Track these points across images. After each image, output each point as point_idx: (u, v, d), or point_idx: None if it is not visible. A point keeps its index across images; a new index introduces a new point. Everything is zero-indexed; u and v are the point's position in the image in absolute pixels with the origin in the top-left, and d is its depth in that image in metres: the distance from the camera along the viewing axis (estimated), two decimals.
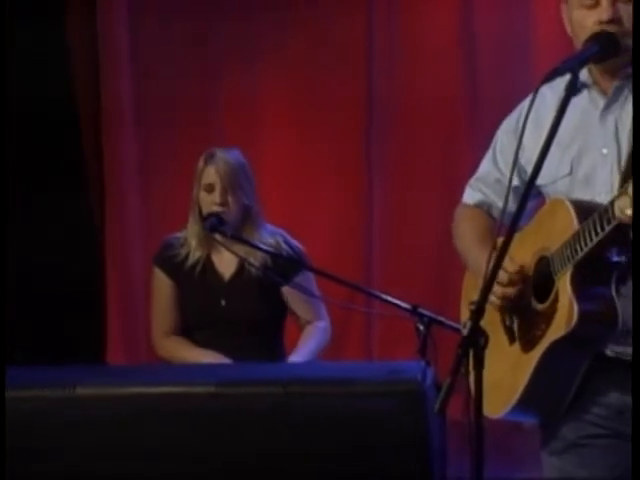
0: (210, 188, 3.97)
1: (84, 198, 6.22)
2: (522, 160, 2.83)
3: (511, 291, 2.73)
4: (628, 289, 2.64)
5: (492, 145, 2.97)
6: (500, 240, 2.75)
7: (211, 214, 3.91)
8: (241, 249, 3.96)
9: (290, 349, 4.06)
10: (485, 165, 2.99)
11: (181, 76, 6.34)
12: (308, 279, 4.04)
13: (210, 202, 3.96)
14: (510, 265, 2.69)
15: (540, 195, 2.84)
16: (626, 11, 2.62)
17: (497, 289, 2.70)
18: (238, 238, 3.93)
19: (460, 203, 3.04)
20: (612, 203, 2.50)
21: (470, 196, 3.01)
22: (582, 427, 2.78)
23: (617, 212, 2.45)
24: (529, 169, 2.72)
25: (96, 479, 2.84)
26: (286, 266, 4.00)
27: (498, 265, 2.49)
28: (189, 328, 4.06)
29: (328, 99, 6.46)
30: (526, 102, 2.79)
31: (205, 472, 2.84)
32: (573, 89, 2.55)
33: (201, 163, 4.02)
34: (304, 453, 2.84)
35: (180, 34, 6.33)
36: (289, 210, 5.78)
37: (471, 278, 2.94)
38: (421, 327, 3.53)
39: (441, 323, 3.52)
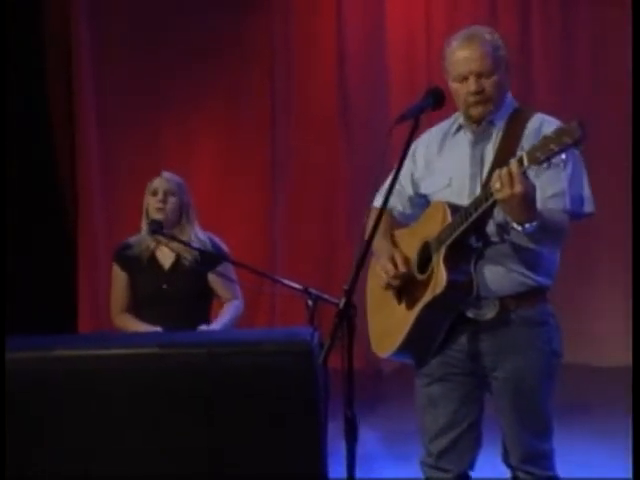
0: (155, 192, 3.96)
1: (59, 203, 6.13)
2: (416, 175, 2.95)
3: (394, 282, 2.83)
4: (481, 266, 2.73)
5: (397, 164, 3.01)
6: (397, 232, 2.97)
7: (153, 220, 3.90)
8: (177, 246, 3.96)
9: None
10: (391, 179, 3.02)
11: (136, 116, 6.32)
12: (227, 268, 4.02)
13: (155, 202, 3.94)
14: (400, 264, 2.81)
15: (429, 203, 2.92)
16: (488, 84, 2.75)
17: (385, 278, 2.83)
18: (175, 238, 3.91)
19: (371, 206, 3.02)
20: (472, 203, 2.64)
21: (378, 201, 3.01)
22: (445, 367, 2.86)
23: (491, 188, 2.54)
24: (421, 183, 2.93)
25: (67, 418, 2.81)
26: (211, 259, 3.99)
27: (365, 255, 2.55)
28: (139, 306, 4.02)
29: (243, 138, 6.48)
30: (422, 136, 2.93)
31: (148, 413, 2.83)
32: (415, 130, 2.64)
33: (149, 182, 4.02)
34: (225, 399, 2.83)
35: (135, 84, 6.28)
36: (217, 216, 5.75)
37: (376, 262, 2.96)
38: (310, 303, 3.56)
39: (324, 299, 3.54)
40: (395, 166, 2.66)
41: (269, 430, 2.86)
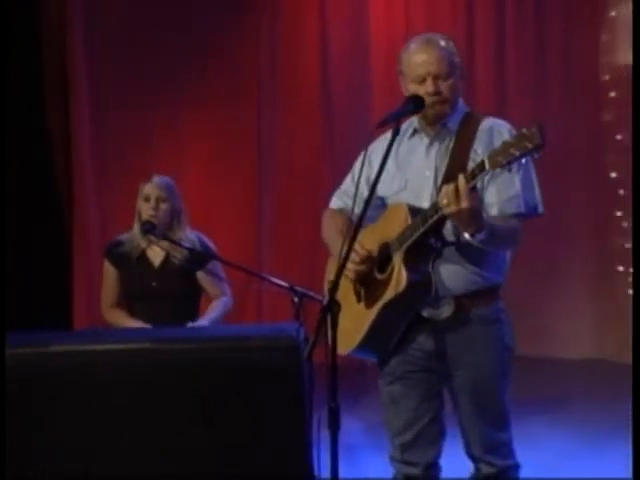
0: (147, 198, 3.93)
1: (54, 203, 6.06)
2: (372, 178, 2.85)
3: (361, 268, 2.79)
4: (438, 265, 2.71)
5: (352, 168, 3.00)
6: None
7: (146, 221, 3.87)
8: (168, 246, 3.93)
9: None
10: (346, 182, 3.04)
11: (131, 116, 6.26)
12: (215, 266, 4.01)
13: (147, 208, 3.91)
14: (361, 250, 2.77)
15: (385, 205, 2.90)
16: (444, 86, 2.75)
17: (351, 267, 2.79)
18: (166, 238, 3.88)
19: (328, 207, 3.06)
20: (433, 205, 2.61)
21: (334, 203, 3.06)
22: (405, 365, 2.85)
23: (439, 204, 2.54)
24: (377, 186, 2.80)
25: (62, 411, 2.78)
26: (200, 257, 3.96)
27: (348, 253, 2.55)
28: (130, 302, 3.99)
29: (231, 142, 6.46)
30: (376, 141, 2.92)
31: (139, 407, 2.79)
32: (396, 134, 2.64)
33: (142, 184, 3.98)
34: (213, 393, 2.78)
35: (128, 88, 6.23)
36: (206, 216, 5.70)
37: (332, 261, 2.95)
38: (296, 299, 3.54)
39: (309, 297, 3.53)
40: (358, 170, 2.67)
41: (255, 423, 2.82)
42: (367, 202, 2.58)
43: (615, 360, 6.28)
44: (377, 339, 2.80)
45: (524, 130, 2.40)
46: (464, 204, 2.46)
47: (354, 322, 2.79)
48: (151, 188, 3.93)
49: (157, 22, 6.23)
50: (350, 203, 2.91)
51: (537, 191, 2.76)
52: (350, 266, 2.77)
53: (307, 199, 6.41)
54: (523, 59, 6.48)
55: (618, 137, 6.50)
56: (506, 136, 2.62)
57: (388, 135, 2.87)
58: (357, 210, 2.92)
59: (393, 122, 2.61)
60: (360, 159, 2.91)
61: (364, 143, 5.48)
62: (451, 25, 6.30)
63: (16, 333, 3.12)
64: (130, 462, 2.76)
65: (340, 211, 3.01)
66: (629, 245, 6.47)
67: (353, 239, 2.53)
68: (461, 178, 2.48)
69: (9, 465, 2.68)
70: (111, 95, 6.19)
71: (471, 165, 2.60)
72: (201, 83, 6.35)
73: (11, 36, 5.62)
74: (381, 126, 2.61)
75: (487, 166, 2.46)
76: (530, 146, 2.37)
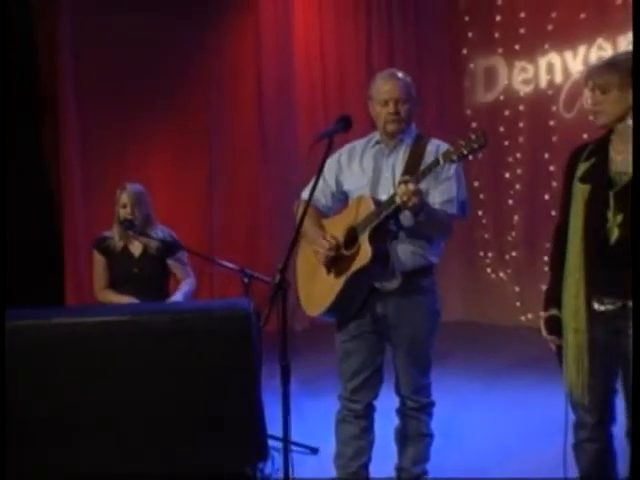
0: (124, 206, 3.72)
1: (48, 203, 5.70)
2: (340, 176, 2.84)
3: (331, 254, 2.71)
4: (395, 247, 2.67)
5: (317, 170, 2.77)
6: (325, 221, 2.83)
7: (125, 219, 3.68)
8: (144, 239, 3.74)
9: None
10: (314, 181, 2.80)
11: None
12: (182, 254, 3.83)
13: (125, 213, 3.71)
14: (332, 240, 2.71)
15: (346, 197, 2.83)
16: (402, 109, 2.72)
17: (323, 252, 2.72)
18: (143, 233, 3.71)
19: (300, 197, 2.87)
20: (392, 197, 2.57)
21: (306, 194, 2.85)
22: (359, 327, 2.79)
23: (397, 199, 2.52)
24: (344, 182, 2.82)
25: (63, 373, 2.57)
26: (169, 247, 3.78)
27: (296, 240, 2.41)
28: (116, 285, 3.77)
29: (188, 151, 6.27)
30: (345, 147, 2.84)
31: (124, 366, 2.62)
32: (331, 147, 2.48)
33: (118, 192, 3.77)
34: (185, 351, 2.63)
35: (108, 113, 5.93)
36: (168, 213, 5.38)
37: (306, 243, 2.83)
38: (245, 280, 3.40)
39: (257, 278, 3.38)
40: (316, 171, 2.54)
41: (217, 374, 2.68)
42: (312, 190, 2.48)
43: (479, 321, 6.32)
44: (343, 304, 2.73)
45: (471, 135, 2.41)
46: (414, 200, 2.49)
47: (324, 290, 2.73)
48: (126, 196, 3.74)
49: (134, 67, 5.99)
50: (319, 196, 2.85)
51: (466, 198, 2.77)
52: (322, 251, 2.73)
53: (247, 198, 6.31)
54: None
55: (479, 155, 6.51)
56: None
57: (355, 143, 2.86)
58: (324, 201, 2.89)
59: (327, 137, 2.46)
60: (329, 161, 2.77)
61: (292, 155, 5.39)
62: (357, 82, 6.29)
63: (23, 309, 2.89)
64: (120, 409, 2.60)
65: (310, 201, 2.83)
66: (487, 236, 6.52)
67: (301, 222, 2.43)
68: (411, 180, 2.49)
69: (10, 423, 2.43)
70: (94, 114, 5.90)
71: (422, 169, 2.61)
72: (166, 113, 6.14)
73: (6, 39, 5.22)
74: (318, 141, 2.47)
75: (441, 162, 2.47)
76: (476, 146, 2.39)
